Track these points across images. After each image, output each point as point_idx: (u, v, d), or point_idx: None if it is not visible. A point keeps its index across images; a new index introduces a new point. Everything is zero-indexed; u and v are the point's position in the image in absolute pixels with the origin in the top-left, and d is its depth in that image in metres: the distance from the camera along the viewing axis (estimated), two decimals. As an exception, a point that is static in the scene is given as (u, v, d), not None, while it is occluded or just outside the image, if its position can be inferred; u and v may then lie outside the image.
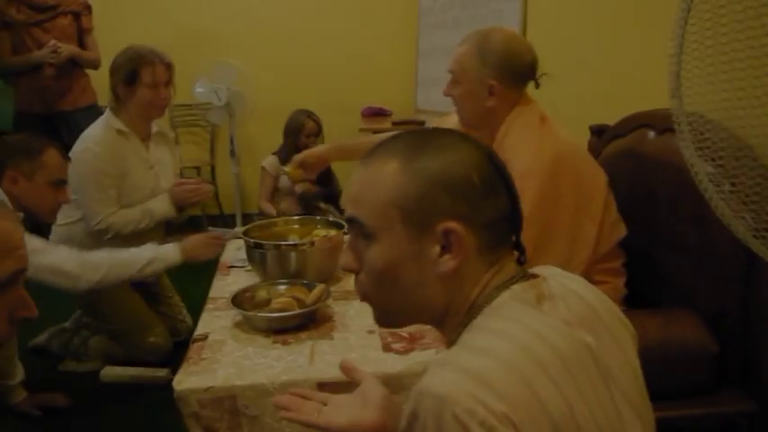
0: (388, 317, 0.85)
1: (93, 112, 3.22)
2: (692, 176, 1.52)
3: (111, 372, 2.52)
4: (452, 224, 0.74)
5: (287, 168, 2.16)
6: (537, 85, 1.70)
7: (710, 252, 1.48)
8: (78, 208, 2.38)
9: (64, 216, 2.38)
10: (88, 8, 3.45)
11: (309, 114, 3.63)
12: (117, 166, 2.33)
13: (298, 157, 2.16)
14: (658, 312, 1.48)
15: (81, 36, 3.40)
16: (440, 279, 0.76)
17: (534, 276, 0.80)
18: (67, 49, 3.24)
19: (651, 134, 1.75)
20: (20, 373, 2.24)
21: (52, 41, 3.18)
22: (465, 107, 1.70)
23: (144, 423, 2.24)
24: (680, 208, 1.58)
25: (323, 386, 1.33)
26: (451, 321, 0.79)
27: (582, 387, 0.70)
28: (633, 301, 1.71)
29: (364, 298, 0.84)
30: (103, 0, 4.47)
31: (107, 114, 2.41)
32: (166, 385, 1.39)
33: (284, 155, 3.62)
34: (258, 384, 1.33)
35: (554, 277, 0.81)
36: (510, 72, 1.63)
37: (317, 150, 2.20)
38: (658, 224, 1.67)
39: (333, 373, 1.34)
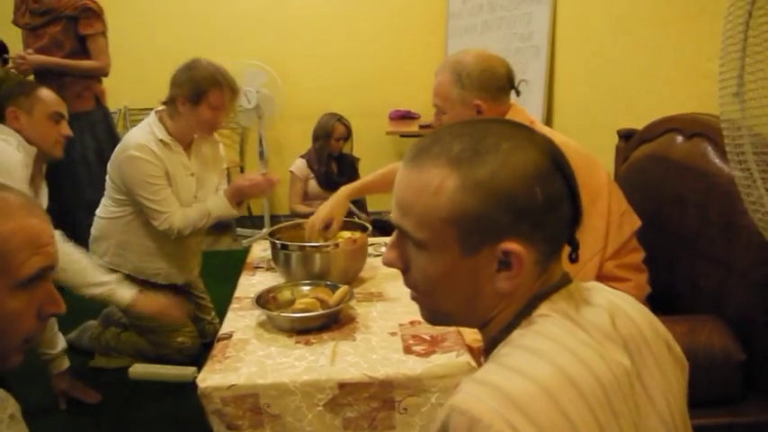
0: (435, 317, 0.82)
1: (91, 118, 3.23)
2: (720, 182, 1.50)
3: (140, 369, 2.56)
4: (513, 245, 0.69)
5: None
6: (518, 93, 1.74)
7: (738, 258, 1.45)
8: (117, 204, 2.42)
9: (105, 210, 2.47)
10: (89, 11, 3.11)
11: (339, 118, 3.64)
12: (159, 169, 2.32)
13: (315, 226, 1.97)
14: (684, 319, 1.46)
15: (83, 41, 3.14)
16: (493, 295, 0.73)
17: (569, 281, 0.77)
18: (35, 59, 3.01)
19: (679, 139, 1.73)
20: (61, 342, 2.27)
21: (17, 53, 3.04)
22: None
23: (170, 420, 2.28)
24: (708, 213, 1.56)
25: (344, 386, 1.34)
26: (496, 326, 0.76)
27: (621, 419, 0.67)
28: (659, 307, 1.69)
29: (414, 298, 0.81)
30: (133, 3, 4.61)
31: (153, 121, 2.38)
32: (193, 383, 1.41)
33: (313, 158, 3.64)
34: (280, 383, 1.35)
35: (599, 291, 0.79)
36: (490, 87, 1.68)
37: (333, 205, 2.02)
38: (686, 229, 1.64)
39: (354, 374, 1.36)
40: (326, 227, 1.99)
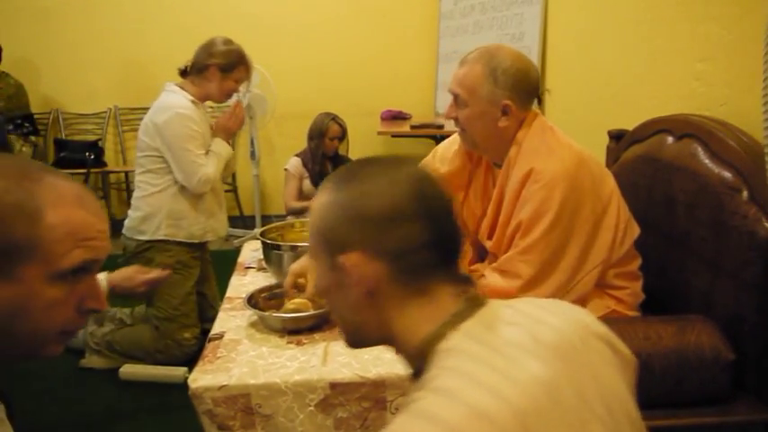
0: (345, 336, 0.87)
1: None
2: (710, 182, 1.51)
3: (131, 369, 2.55)
4: (353, 255, 0.76)
5: (291, 305, 1.67)
6: (540, 102, 1.67)
7: (728, 258, 1.46)
8: (159, 176, 2.58)
9: (147, 186, 2.60)
10: None
11: (334, 118, 3.64)
12: (201, 127, 2.56)
13: (293, 270, 1.69)
14: (674, 319, 1.47)
15: None
16: (361, 305, 0.79)
17: (481, 303, 0.78)
18: None
19: (669, 139, 1.74)
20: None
21: None
22: (474, 129, 1.65)
23: (161, 420, 2.27)
24: (698, 214, 1.57)
25: (335, 386, 1.34)
26: (403, 352, 0.80)
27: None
28: (649, 307, 1.70)
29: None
30: (121, 3, 4.60)
31: (176, 89, 2.58)
32: (184, 384, 1.41)
33: (308, 157, 3.64)
34: (272, 384, 1.34)
35: (520, 307, 0.79)
36: (523, 90, 1.60)
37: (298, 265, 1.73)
38: (675, 229, 1.65)
39: (345, 374, 1.36)
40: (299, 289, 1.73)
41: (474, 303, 0.78)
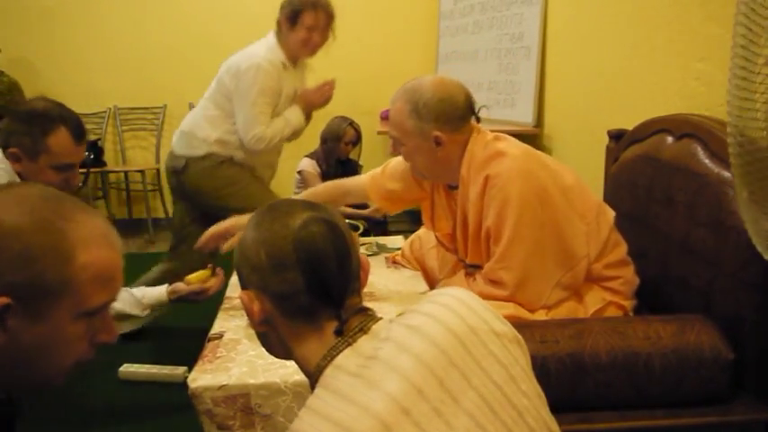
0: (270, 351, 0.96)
1: None
2: (709, 182, 1.51)
3: (130, 369, 2.55)
4: (249, 293, 0.89)
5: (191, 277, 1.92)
6: (478, 120, 1.67)
7: (727, 258, 1.46)
8: (221, 118, 2.62)
9: (218, 128, 2.63)
10: None
11: (351, 123, 3.66)
12: (279, 86, 2.59)
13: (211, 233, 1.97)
14: (673, 318, 1.47)
15: None
16: (265, 331, 0.91)
17: (364, 332, 0.85)
18: None
19: (669, 139, 1.74)
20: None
21: None
22: (417, 162, 1.69)
23: (161, 420, 2.27)
24: (697, 213, 1.57)
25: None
26: (304, 367, 0.88)
27: None
28: (648, 306, 1.70)
29: None
30: (122, 3, 4.60)
31: (272, 40, 2.62)
32: (183, 384, 1.41)
33: (321, 158, 3.64)
34: (271, 383, 1.35)
35: (400, 321, 0.86)
36: (450, 117, 1.60)
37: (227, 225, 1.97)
38: (675, 229, 1.65)
39: (345, 374, 1.35)
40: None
41: (348, 337, 0.85)
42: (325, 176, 3.60)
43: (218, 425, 1.35)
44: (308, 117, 2.79)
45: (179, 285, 1.95)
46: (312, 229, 0.87)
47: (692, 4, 1.90)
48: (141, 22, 4.65)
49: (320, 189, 2.17)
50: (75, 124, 1.89)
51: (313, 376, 0.84)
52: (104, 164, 4.69)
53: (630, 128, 1.99)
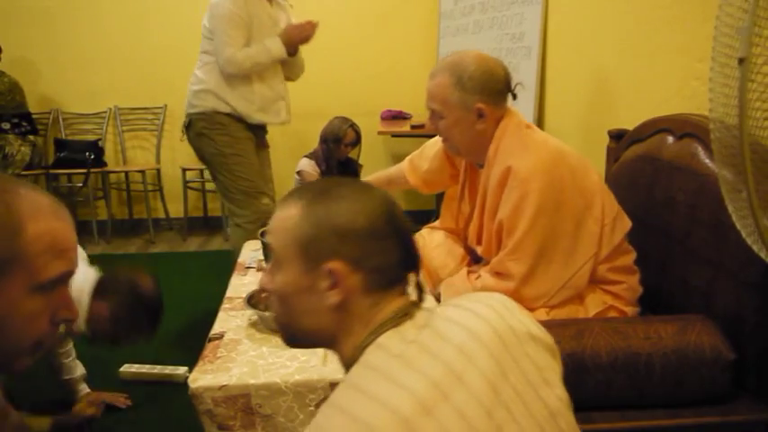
0: (286, 336, 0.93)
1: None
2: (710, 182, 1.51)
3: (131, 369, 2.55)
4: (337, 264, 0.83)
5: None
6: (514, 97, 1.70)
7: (728, 258, 1.46)
8: (208, 55, 2.83)
9: (200, 63, 2.88)
10: None
11: (352, 125, 3.65)
12: (248, 13, 2.74)
13: None
14: (674, 318, 1.47)
15: None
16: (327, 310, 0.85)
17: (409, 317, 0.85)
18: None
19: (670, 139, 1.74)
20: (80, 368, 2.28)
21: None
22: (455, 136, 1.69)
23: (161, 420, 2.27)
24: (698, 213, 1.57)
25: (336, 386, 1.34)
26: (343, 350, 0.87)
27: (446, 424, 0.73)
28: (649, 306, 1.70)
29: (276, 321, 0.95)
30: (123, 2, 4.60)
31: None
32: (184, 384, 1.41)
33: (320, 158, 3.63)
34: (272, 384, 1.35)
35: (440, 313, 0.86)
36: (493, 90, 1.63)
37: None
38: (676, 229, 1.65)
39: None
40: None
41: (395, 319, 0.85)
42: (325, 176, 3.60)
43: (218, 425, 1.35)
44: (292, 52, 2.91)
45: None
46: (395, 201, 0.89)
47: (692, 3, 1.90)
48: (142, 22, 4.65)
49: (374, 178, 2.24)
50: None
51: (353, 356, 0.83)
52: (105, 164, 4.68)
53: (631, 128, 1.99)
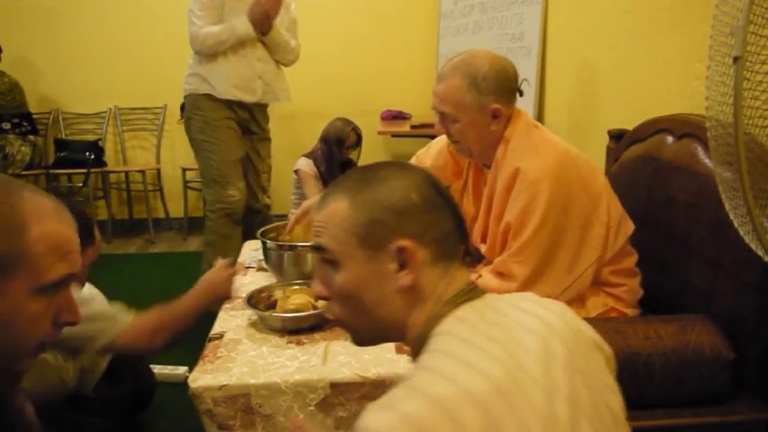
0: (360, 336, 0.91)
1: None
2: (710, 181, 1.51)
3: (131, 369, 2.55)
4: (403, 242, 0.82)
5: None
6: (521, 93, 1.66)
7: (728, 258, 1.46)
8: None
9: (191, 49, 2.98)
10: None
11: (354, 128, 3.64)
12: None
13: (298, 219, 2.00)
14: (674, 318, 1.47)
15: None
16: (400, 294, 0.84)
17: (479, 293, 0.84)
18: None
19: (669, 139, 1.74)
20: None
21: None
22: (469, 139, 1.65)
23: (161, 420, 2.27)
24: (698, 213, 1.57)
25: (335, 386, 1.34)
26: (411, 336, 0.85)
27: (523, 413, 0.70)
28: (649, 306, 1.70)
29: (337, 322, 0.92)
30: (123, 2, 4.60)
31: None
32: (184, 383, 1.41)
33: (319, 158, 3.62)
34: (272, 383, 1.35)
35: (514, 302, 0.84)
36: (507, 89, 1.59)
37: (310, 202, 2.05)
38: (676, 229, 1.65)
39: (345, 374, 1.36)
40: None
41: (471, 289, 0.84)
42: (324, 177, 3.60)
43: (218, 425, 1.35)
44: (264, 30, 2.96)
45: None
46: (432, 176, 0.89)
47: (692, 3, 1.90)
48: (142, 22, 4.65)
49: None
50: None
51: (426, 329, 0.81)
52: (105, 164, 4.69)
53: (630, 128, 1.99)
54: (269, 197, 3.38)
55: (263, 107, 3.23)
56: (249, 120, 3.17)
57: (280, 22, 3.04)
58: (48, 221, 0.82)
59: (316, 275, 0.91)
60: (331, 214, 0.86)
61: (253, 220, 3.30)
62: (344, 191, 0.87)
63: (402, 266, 0.83)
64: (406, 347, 1.44)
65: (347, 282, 0.85)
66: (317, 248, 0.88)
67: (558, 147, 1.59)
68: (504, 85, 1.59)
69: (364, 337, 0.91)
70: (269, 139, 3.35)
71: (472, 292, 0.84)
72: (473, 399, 0.68)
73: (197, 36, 2.89)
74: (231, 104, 3.04)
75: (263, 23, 2.92)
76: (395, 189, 0.85)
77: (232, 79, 2.99)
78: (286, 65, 3.22)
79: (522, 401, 0.71)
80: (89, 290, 1.71)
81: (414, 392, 0.70)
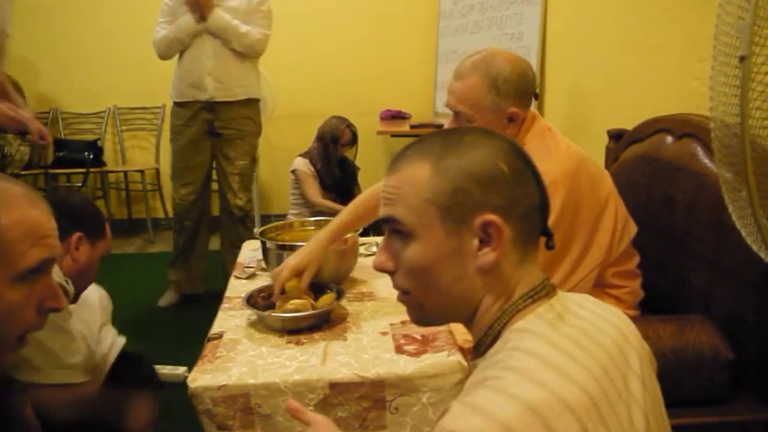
0: (425, 314, 0.84)
1: None
2: (709, 182, 1.51)
3: (130, 369, 2.55)
4: (490, 216, 0.74)
5: (291, 305, 1.58)
6: (536, 97, 1.63)
7: (727, 258, 1.46)
8: None
9: None
10: None
11: (349, 125, 3.64)
12: (174, 3, 3.03)
13: (290, 265, 1.62)
14: (673, 318, 1.47)
15: None
16: (479, 273, 0.77)
17: (553, 290, 0.80)
18: None
19: (669, 139, 1.74)
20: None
21: None
22: None
23: (161, 420, 2.27)
24: (697, 213, 1.57)
25: (335, 386, 1.34)
26: (480, 321, 0.79)
27: (612, 428, 0.68)
28: (648, 306, 1.70)
29: (402, 297, 0.84)
30: (121, 2, 4.59)
31: None
32: (183, 384, 1.41)
33: (316, 157, 3.63)
34: (271, 383, 1.34)
35: (580, 301, 0.81)
36: (525, 93, 1.57)
37: (311, 252, 1.66)
38: (675, 229, 1.65)
39: (345, 374, 1.35)
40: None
41: (547, 284, 0.79)
42: (321, 176, 3.60)
43: (217, 425, 1.34)
44: (201, 14, 3.04)
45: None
46: (516, 144, 0.81)
47: (692, 3, 1.90)
48: (141, 21, 4.63)
49: (368, 194, 1.88)
50: None
51: (499, 320, 0.76)
52: (104, 164, 4.69)
53: (630, 128, 1.99)
54: (242, 198, 3.30)
55: (228, 105, 3.16)
56: (213, 120, 3.17)
57: (235, 8, 3.06)
58: (17, 208, 0.81)
59: (382, 247, 0.83)
60: (408, 180, 0.78)
61: (227, 220, 3.34)
62: (425, 154, 0.78)
63: (483, 243, 0.75)
64: (407, 348, 1.44)
65: (421, 256, 0.77)
66: (387, 220, 0.80)
67: (571, 151, 1.57)
68: (524, 88, 1.56)
69: (430, 315, 0.84)
70: (242, 138, 3.24)
71: (549, 288, 0.79)
72: (569, 409, 0.64)
73: (153, 41, 3.09)
74: (192, 106, 3.12)
75: (198, 6, 2.99)
76: (482, 156, 0.76)
77: (185, 79, 3.11)
78: (248, 54, 3.16)
79: (611, 416, 0.68)
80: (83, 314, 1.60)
81: (506, 397, 0.65)
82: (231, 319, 1.66)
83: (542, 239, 0.82)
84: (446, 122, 1.66)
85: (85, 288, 1.66)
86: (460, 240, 0.76)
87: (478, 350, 0.79)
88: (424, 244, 0.77)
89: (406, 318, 1.57)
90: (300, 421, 0.88)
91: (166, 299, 3.41)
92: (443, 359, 1.40)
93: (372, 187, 1.86)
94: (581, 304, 0.80)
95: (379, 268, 0.83)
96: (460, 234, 0.76)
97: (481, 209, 0.75)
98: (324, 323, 1.59)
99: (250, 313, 1.63)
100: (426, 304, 0.82)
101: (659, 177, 1.73)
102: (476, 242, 0.76)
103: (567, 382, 0.66)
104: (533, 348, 0.70)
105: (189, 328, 2.95)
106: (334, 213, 2.06)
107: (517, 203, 0.76)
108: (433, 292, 0.79)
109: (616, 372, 0.72)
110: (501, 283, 0.77)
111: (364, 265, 1.97)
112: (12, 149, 4.16)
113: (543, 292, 0.78)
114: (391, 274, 0.83)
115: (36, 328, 0.85)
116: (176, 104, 3.21)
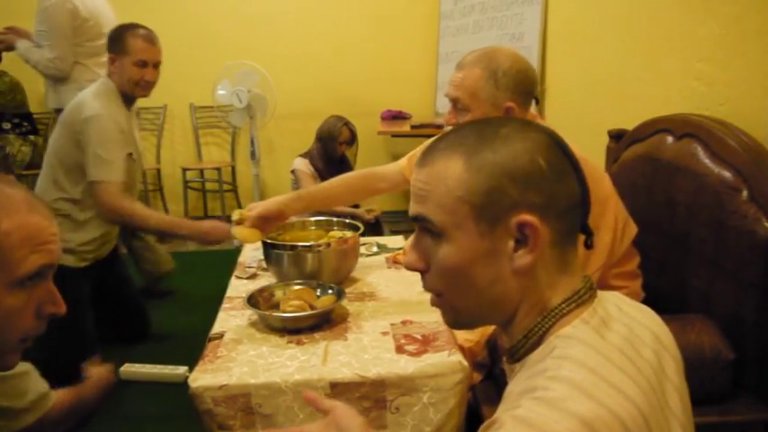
0: (459, 317, 0.80)
1: None
2: (710, 182, 1.52)
3: (131, 369, 2.56)
4: (526, 216, 0.70)
5: (235, 231, 1.79)
6: (537, 101, 1.65)
7: (727, 258, 1.46)
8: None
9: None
10: None
11: (346, 123, 3.65)
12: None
13: (252, 212, 1.80)
14: (674, 318, 1.46)
15: None
16: (515, 275, 0.73)
17: (595, 292, 0.77)
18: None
19: (669, 139, 1.74)
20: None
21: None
22: None
23: (161, 420, 2.27)
24: (698, 213, 1.57)
25: (335, 386, 1.34)
26: (519, 325, 0.76)
27: None
28: (649, 306, 1.70)
29: (436, 300, 0.80)
30: (122, 4, 4.59)
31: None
32: (184, 383, 1.41)
33: (315, 157, 3.63)
34: (272, 383, 1.34)
35: (613, 301, 0.79)
36: (524, 91, 1.57)
37: (275, 203, 1.86)
38: (675, 229, 1.66)
39: (345, 374, 1.36)
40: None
41: (591, 286, 0.75)
42: (321, 175, 3.60)
43: (218, 425, 1.34)
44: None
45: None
46: (556, 134, 0.76)
47: (692, 3, 1.90)
48: (141, 21, 4.64)
49: (352, 176, 2.06)
50: (146, 30, 2.84)
51: (539, 325, 0.73)
52: (105, 164, 4.68)
53: (630, 128, 1.99)
54: None
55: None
56: None
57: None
58: (17, 214, 0.81)
59: (412, 245, 0.79)
60: (439, 176, 0.73)
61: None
62: (458, 147, 0.74)
63: (520, 244, 0.71)
64: (408, 348, 1.44)
65: (453, 257, 0.73)
66: (417, 219, 0.76)
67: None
68: (523, 85, 1.56)
69: (465, 318, 0.80)
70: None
71: (592, 290, 0.75)
72: (623, 425, 0.61)
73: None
74: None
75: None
76: (519, 151, 0.71)
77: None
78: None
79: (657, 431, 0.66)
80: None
81: (561, 413, 0.61)
82: (232, 319, 1.66)
83: (581, 237, 0.78)
84: (444, 114, 1.68)
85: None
86: (495, 241, 0.72)
87: (515, 354, 0.76)
88: (457, 244, 0.73)
89: (407, 318, 1.59)
90: (318, 410, 0.85)
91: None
92: (444, 359, 1.40)
93: (370, 169, 2.01)
94: (619, 306, 0.77)
95: (410, 267, 0.79)
96: (495, 234, 0.72)
97: (517, 208, 0.70)
98: (324, 323, 1.60)
99: (251, 313, 1.64)
100: (460, 307, 0.78)
101: (660, 178, 1.73)
102: (511, 243, 0.72)
103: (619, 396, 0.64)
104: (583, 358, 0.67)
105: (189, 328, 2.96)
106: (334, 213, 2.07)
107: (556, 201, 0.72)
108: (466, 294, 0.75)
109: (657, 384, 0.70)
110: (539, 285, 0.74)
111: (365, 265, 1.98)
112: (13, 149, 4.17)
113: (587, 295, 0.74)
114: (422, 273, 0.79)
115: (35, 332, 0.85)
116: None
